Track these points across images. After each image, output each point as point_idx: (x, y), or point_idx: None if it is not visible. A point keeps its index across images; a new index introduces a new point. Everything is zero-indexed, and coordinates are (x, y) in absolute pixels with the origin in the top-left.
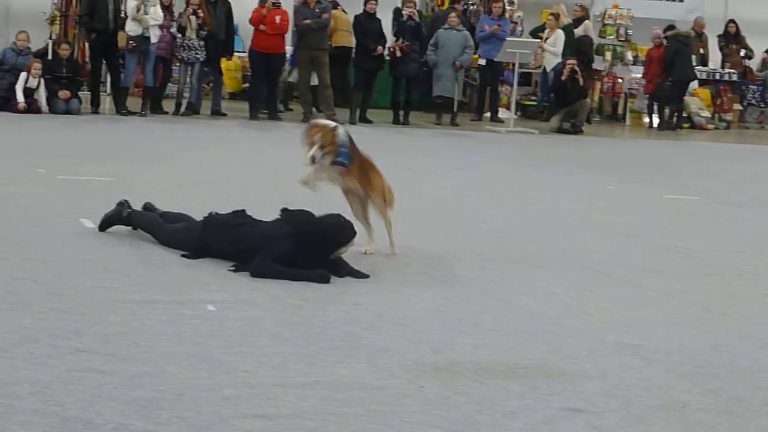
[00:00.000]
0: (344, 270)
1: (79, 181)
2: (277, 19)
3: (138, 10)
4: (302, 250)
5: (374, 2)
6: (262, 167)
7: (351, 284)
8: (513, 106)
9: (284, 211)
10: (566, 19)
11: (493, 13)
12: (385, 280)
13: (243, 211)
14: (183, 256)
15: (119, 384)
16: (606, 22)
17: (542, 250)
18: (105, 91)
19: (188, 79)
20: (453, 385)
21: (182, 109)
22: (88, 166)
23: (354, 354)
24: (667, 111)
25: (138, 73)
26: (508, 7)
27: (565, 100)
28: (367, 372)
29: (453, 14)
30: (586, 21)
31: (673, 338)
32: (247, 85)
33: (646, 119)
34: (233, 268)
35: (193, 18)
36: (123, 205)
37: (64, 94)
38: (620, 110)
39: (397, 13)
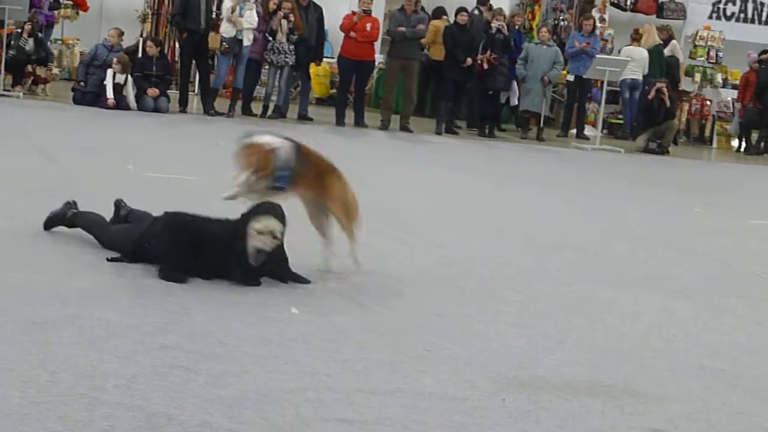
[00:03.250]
0: (288, 276)
1: (167, 179)
2: (368, 26)
3: (233, 12)
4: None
5: (465, 14)
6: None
7: (434, 295)
8: (600, 124)
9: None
10: (655, 39)
11: (583, 30)
12: (468, 292)
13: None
14: (111, 259)
15: (204, 382)
16: (697, 43)
17: (628, 270)
18: (194, 91)
19: (276, 83)
20: (536, 400)
21: (269, 112)
22: (176, 164)
23: (437, 364)
24: (755, 135)
25: (229, 75)
26: (598, 24)
27: (653, 120)
28: (449, 382)
29: (544, 29)
30: (673, 41)
31: (759, 364)
32: (334, 91)
33: (735, 142)
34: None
35: (284, 22)
36: (69, 205)
37: (152, 92)
38: (707, 132)
39: (487, 25)
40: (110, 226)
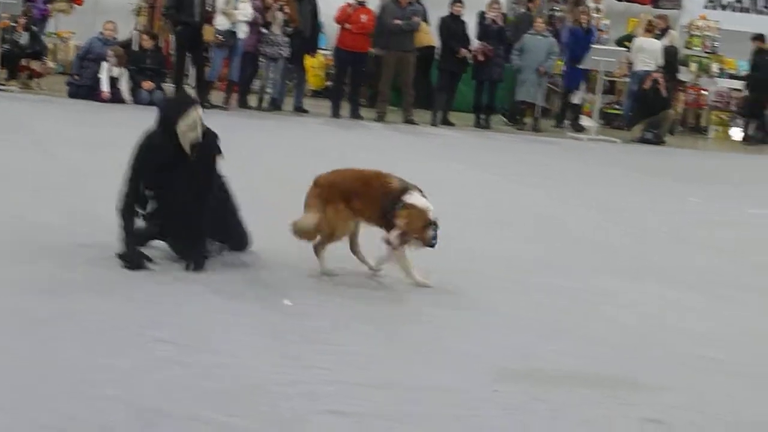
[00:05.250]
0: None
1: None
2: (363, 18)
3: (227, 4)
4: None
5: (460, 4)
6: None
7: (432, 286)
8: (596, 114)
9: None
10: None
11: (581, 23)
12: (467, 284)
13: None
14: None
15: (196, 374)
16: (693, 33)
17: (628, 261)
18: (189, 84)
19: (272, 75)
20: (532, 391)
21: (264, 104)
22: None
23: (434, 356)
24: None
25: (223, 67)
26: (594, 15)
27: (649, 110)
28: (446, 374)
29: (540, 20)
30: (671, 31)
31: (757, 355)
32: (330, 83)
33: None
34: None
35: (279, 14)
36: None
37: (147, 85)
38: (703, 122)
39: (481, 16)
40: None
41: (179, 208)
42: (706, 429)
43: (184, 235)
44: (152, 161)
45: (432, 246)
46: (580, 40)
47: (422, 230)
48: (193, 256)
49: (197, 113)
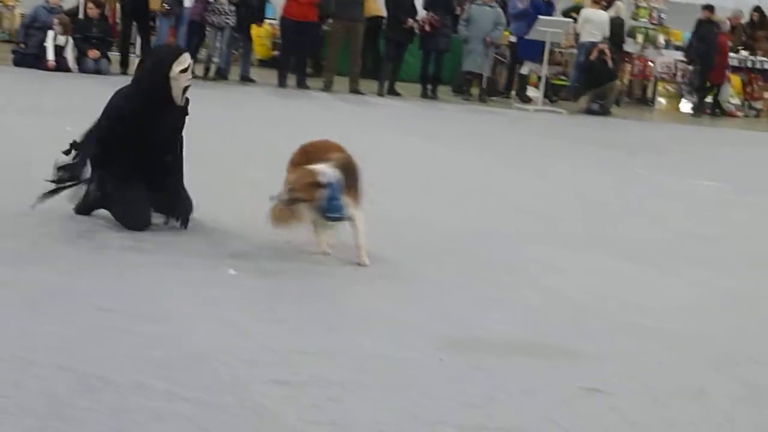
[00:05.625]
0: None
1: None
2: None
3: None
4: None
5: None
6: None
7: (372, 256)
8: (542, 85)
9: None
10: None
11: None
12: (406, 252)
13: None
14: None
15: (139, 343)
16: (639, 4)
17: (570, 231)
18: (135, 53)
19: (218, 44)
20: (473, 360)
21: (211, 73)
22: None
23: (374, 325)
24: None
25: (170, 36)
26: None
27: (594, 81)
28: (387, 343)
29: None
30: (618, 2)
31: (696, 324)
32: (276, 52)
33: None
34: None
35: None
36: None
37: (93, 53)
38: (649, 93)
39: None
40: None
41: (159, 165)
42: (646, 397)
43: (167, 190)
44: (131, 113)
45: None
46: (541, 12)
47: (308, 189)
48: (178, 212)
49: (188, 57)
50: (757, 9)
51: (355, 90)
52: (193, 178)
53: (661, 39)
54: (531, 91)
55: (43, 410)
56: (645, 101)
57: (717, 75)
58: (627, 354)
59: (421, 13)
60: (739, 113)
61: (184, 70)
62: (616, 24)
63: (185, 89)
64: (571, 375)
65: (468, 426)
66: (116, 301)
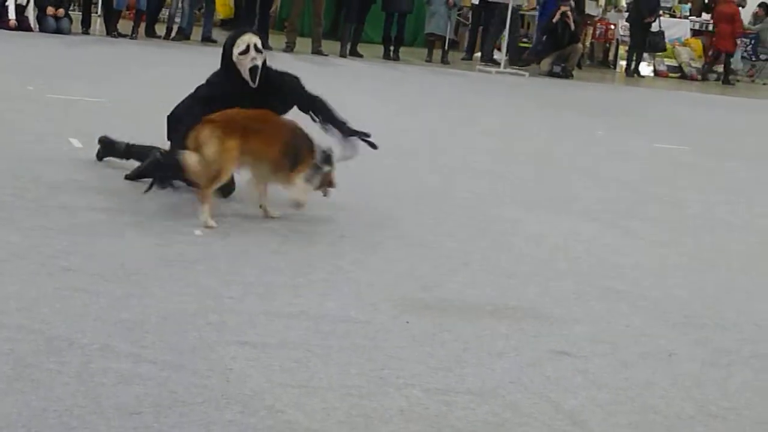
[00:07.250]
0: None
1: (69, 100)
2: None
3: None
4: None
5: None
6: None
7: (339, 218)
8: (504, 48)
9: None
10: None
11: None
12: (371, 214)
13: None
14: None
15: (105, 305)
16: None
17: (533, 192)
18: (96, 12)
19: (180, 4)
20: (440, 323)
21: (173, 33)
22: (78, 86)
23: (340, 287)
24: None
25: None
26: None
27: (557, 44)
28: (353, 306)
29: None
30: None
31: (661, 287)
32: (238, 12)
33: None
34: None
35: None
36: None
37: (51, 10)
38: (611, 56)
39: None
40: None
41: None
42: (614, 359)
43: None
44: (218, 92)
45: None
46: None
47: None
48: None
49: (249, 38)
50: None
51: (317, 51)
52: (160, 141)
53: (623, 2)
54: (495, 54)
55: (8, 371)
56: (607, 64)
57: (727, 44)
58: (595, 316)
59: None
60: (699, 77)
61: (244, 52)
62: None
63: (252, 70)
64: (540, 337)
65: (436, 388)
66: (82, 262)
